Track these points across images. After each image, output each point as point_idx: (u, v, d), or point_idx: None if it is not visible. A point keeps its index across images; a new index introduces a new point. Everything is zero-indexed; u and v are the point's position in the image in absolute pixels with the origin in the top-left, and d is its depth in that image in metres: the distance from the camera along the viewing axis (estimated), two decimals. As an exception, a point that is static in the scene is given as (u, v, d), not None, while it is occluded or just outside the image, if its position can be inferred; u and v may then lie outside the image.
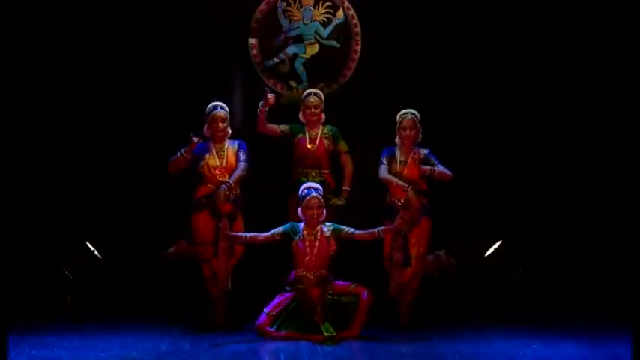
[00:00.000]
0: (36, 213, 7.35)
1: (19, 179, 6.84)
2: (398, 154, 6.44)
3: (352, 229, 6.12)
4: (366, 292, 5.97)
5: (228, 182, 6.39)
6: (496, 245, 7.78)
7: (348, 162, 6.87)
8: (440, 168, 6.38)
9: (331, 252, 6.10)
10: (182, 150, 6.41)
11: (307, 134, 6.80)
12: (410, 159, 6.42)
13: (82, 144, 7.53)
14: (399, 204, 6.38)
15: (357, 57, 7.64)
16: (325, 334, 5.84)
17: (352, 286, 6.04)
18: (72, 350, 5.48)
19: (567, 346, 5.65)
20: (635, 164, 4.83)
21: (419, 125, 6.42)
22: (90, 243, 7.57)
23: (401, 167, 6.40)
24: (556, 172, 7.68)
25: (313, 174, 6.76)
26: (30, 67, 7.32)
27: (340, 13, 7.58)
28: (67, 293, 7.23)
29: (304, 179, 6.62)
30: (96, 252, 7.53)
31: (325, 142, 6.80)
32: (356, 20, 7.60)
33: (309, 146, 6.76)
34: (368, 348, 5.67)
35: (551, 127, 7.68)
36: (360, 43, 7.62)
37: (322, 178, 6.74)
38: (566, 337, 5.90)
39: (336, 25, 7.60)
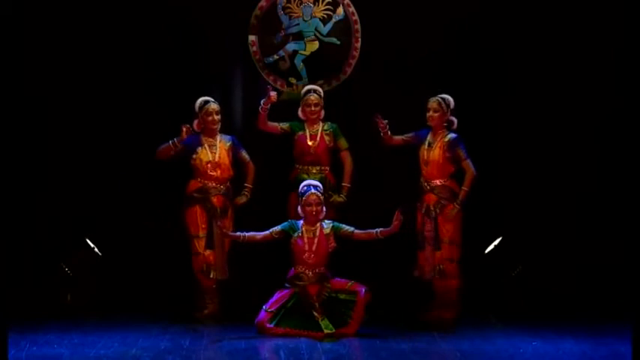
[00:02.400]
0: (34, 211, 7.35)
1: (18, 178, 6.84)
2: (429, 136, 6.54)
3: (352, 228, 6.13)
4: (363, 290, 5.97)
5: (248, 186, 6.72)
6: (496, 242, 7.78)
7: (347, 158, 6.90)
8: (468, 169, 6.44)
9: (330, 249, 6.11)
10: (173, 139, 6.53)
11: (307, 131, 6.83)
12: (438, 142, 6.50)
13: (79, 142, 7.51)
14: (427, 187, 6.48)
15: (357, 54, 7.63)
16: (325, 330, 5.84)
17: (350, 284, 6.04)
18: (72, 348, 5.47)
19: (568, 344, 5.65)
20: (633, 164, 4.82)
21: (445, 109, 6.50)
22: (89, 240, 7.55)
23: (427, 149, 6.49)
24: (557, 170, 7.67)
25: (314, 171, 6.79)
26: (27, 66, 7.30)
27: (340, 10, 7.57)
28: (67, 291, 7.22)
29: (305, 176, 6.64)
30: (95, 249, 7.52)
31: (326, 138, 6.83)
32: (356, 17, 7.58)
33: (309, 143, 6.79)
34: (368, 345, 5.66)
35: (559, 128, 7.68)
36: (360, 40, 7.61)
37: (323, 175, 6.77)
38: (567, 335, 5.90)
39: (336, 22, 7.59)
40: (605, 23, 7.46)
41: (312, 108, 6.76)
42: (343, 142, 6.91)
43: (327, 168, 6.87)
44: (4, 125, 5.17)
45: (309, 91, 6.87)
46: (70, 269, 7.29)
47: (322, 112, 6.86)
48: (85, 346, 5.50)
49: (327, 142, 6.83)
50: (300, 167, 6.83)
